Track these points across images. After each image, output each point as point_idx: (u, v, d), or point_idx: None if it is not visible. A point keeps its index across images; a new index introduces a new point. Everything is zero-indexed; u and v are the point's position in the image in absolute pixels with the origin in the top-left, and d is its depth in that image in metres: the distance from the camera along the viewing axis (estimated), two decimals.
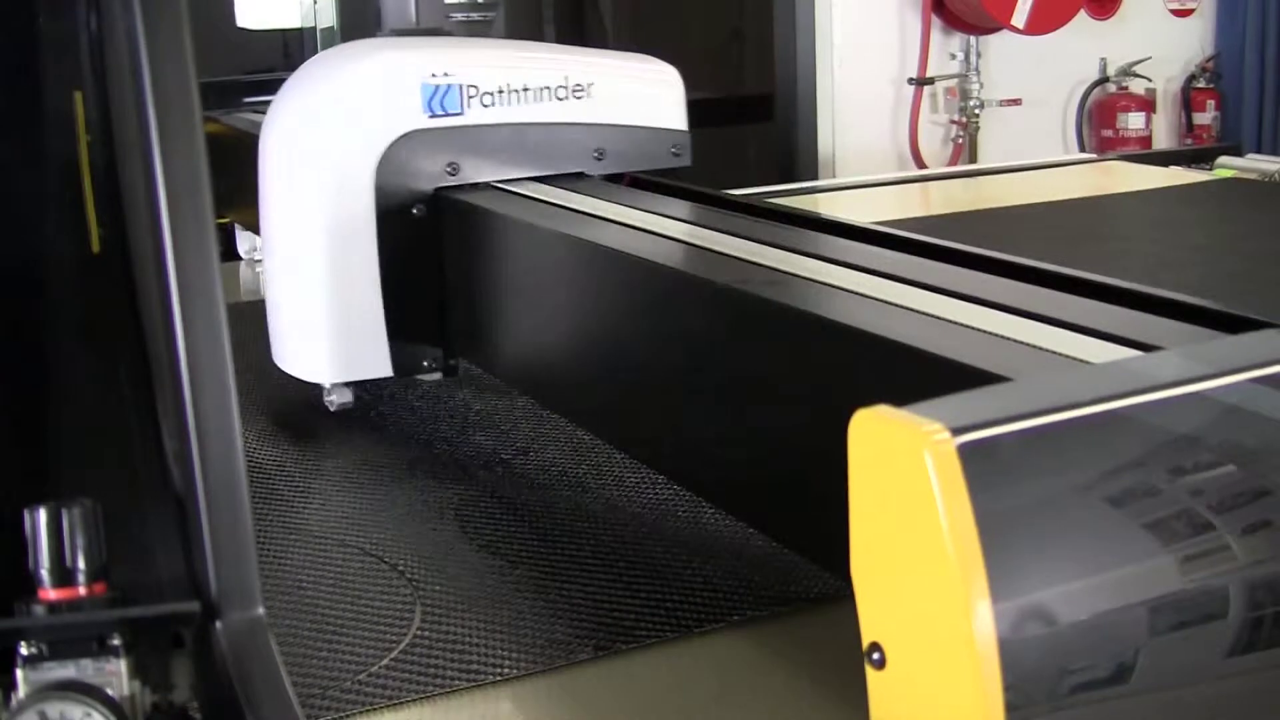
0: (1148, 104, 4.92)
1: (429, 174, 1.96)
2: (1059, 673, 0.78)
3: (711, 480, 1.50)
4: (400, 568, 1.61)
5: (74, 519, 0.90)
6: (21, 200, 1.18)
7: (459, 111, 1.98)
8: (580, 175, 2.08)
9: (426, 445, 2.03)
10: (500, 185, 2.01)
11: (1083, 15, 4.72)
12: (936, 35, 4.61)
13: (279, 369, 2.09)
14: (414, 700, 1.32)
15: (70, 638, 0.88)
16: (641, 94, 2.18)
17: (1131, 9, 4.93)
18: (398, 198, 1.94)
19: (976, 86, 4.63)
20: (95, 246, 1.19)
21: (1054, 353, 1.09)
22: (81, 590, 0.90)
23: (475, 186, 1.99)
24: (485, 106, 2.00)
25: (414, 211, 1.95)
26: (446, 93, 1.96)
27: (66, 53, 1.21)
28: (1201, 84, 5.05)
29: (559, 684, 1.36)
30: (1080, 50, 4.85)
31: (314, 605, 1.52)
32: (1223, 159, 3.46)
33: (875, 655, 0.84)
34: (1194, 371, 0.90)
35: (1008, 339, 1.14)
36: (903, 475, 0.77)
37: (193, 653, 0.95)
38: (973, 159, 4.67)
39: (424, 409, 2.20)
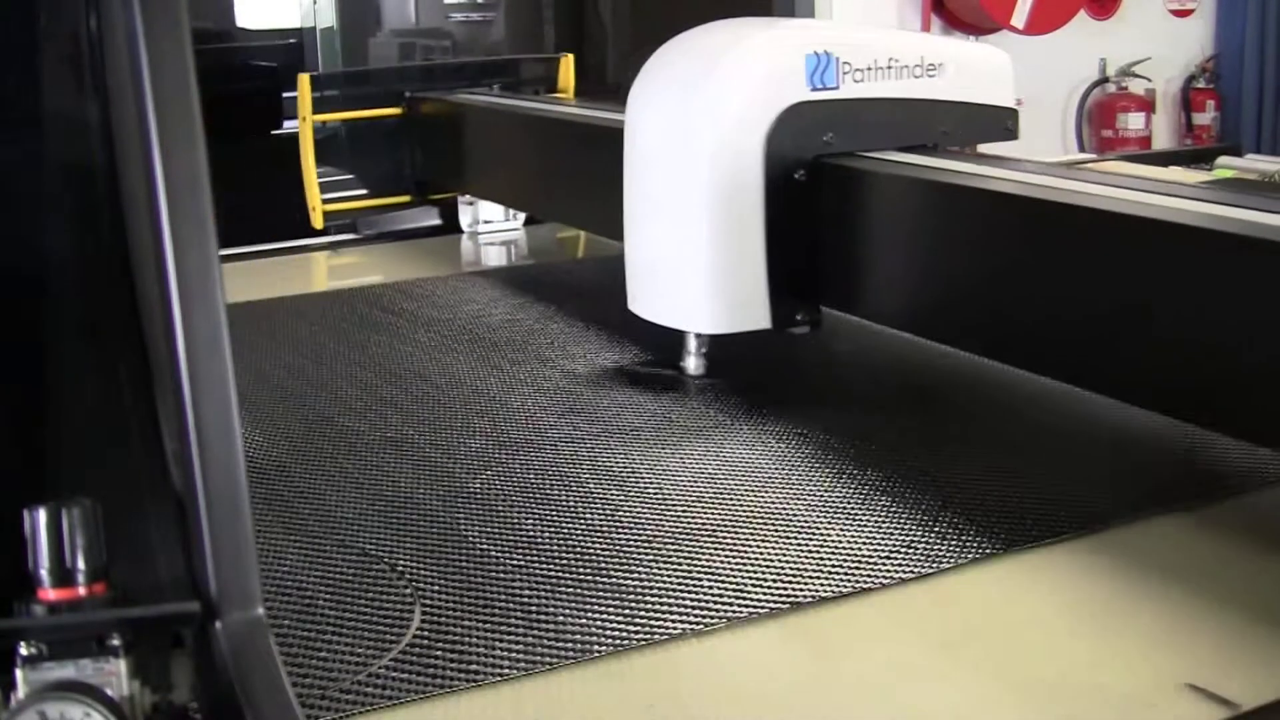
0: (1147, 104, 4.92)
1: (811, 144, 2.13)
2: None
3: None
4: (400, 568, 1.61)
5: (74, 519, 0.90)
6: (22, 200, 1.18)
7: (835, 86, 2.15)
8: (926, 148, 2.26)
9: (426, 446, 2.03)
10: (866, 155, 2.18)
11: (1082, 15, 4.72)
12: (936, 35, 4.61)
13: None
14: (413, 700, 1.32)
15: (70, 638, 0.88)
16: (983, 74, 2.34)
17: (1131, 9, 4.93)
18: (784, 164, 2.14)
19: None
20: (96, 247, 1.19)
21: None
22: (81, 590, 0.90)
23: (849, 155, 2.18)
24: (857, 82, 2.17)
25: (796, 177, 2.12)
26: (827, 66, 2.14)
27: (66, 52, 1.20)
28: (1201, 84, 5.05)
29: (558, 684, 1.36)
30: (1080, 50, 4.85)
31: (313, 605, 1.52)
32: (1222, 159, 3.45)
33: None
34: None
35: None
36: None
37: (192, 653, 0.95)
38: None
39: (423, 410, 2.20)
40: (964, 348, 2.10)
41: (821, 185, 2.13)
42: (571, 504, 1.78)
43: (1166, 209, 1.74)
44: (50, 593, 0.90)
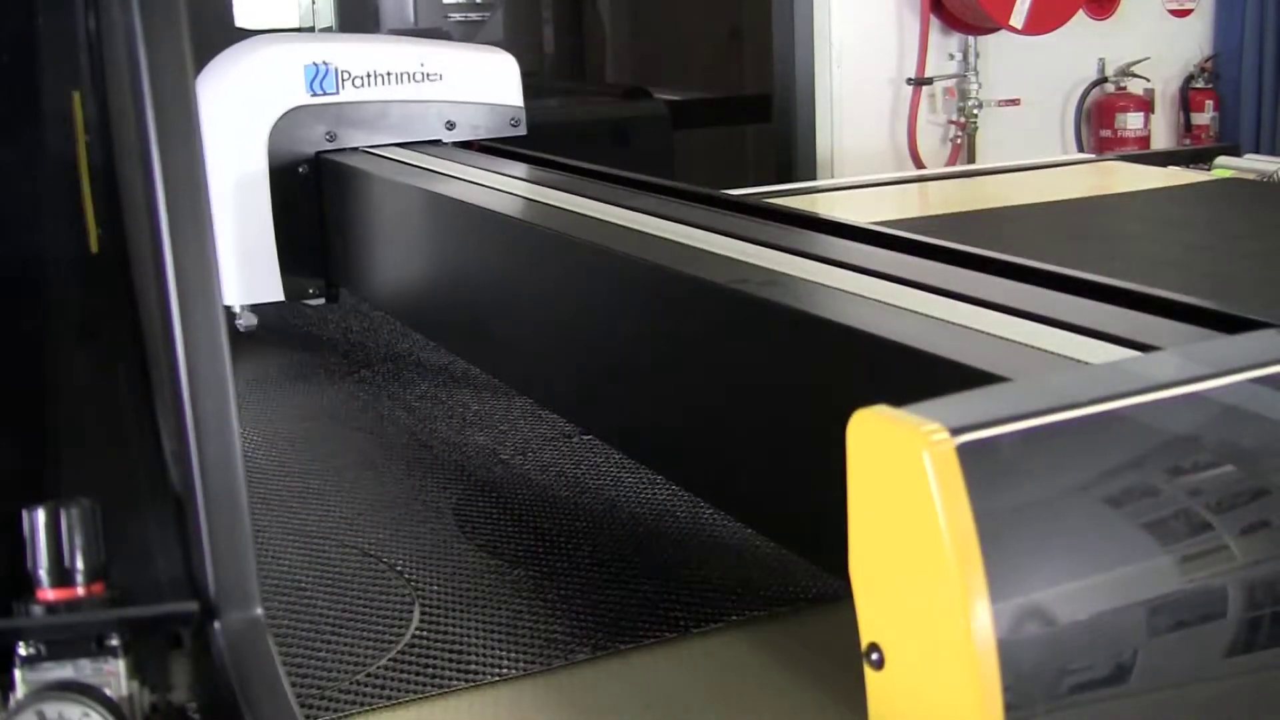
0: (1146, 104, 4.92)
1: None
2: (1058, 673, 0.77)
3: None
4: (398, 568, 1.61)
5: (72, 519, 0.90)
6: (21, 200, 1.18)
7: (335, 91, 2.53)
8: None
9: (425, 446, 2.03)
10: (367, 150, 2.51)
11: (1081, 15, 4.72)
12: (935, 35, 4.61)
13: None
14: (412, 700, 1.32)
15: (68, 638, 0.88)
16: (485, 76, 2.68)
17: (1130, 9, 4.93)
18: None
19: (975, 87, 4.63)
20: (95, 247, 1.18)
21: (1053, 353, 1.09)
22: (80, 590, 0.90)
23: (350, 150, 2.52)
24: (356, 88, 2.54)
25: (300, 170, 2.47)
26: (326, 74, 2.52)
27: (65, 53, 1.20)
28: (1200, 84, 5.06)
29: (556, 684, 1.36)
30: (1079, 50, 4.85)
31: (312, 605, 1.52)
32: (1221, 159, 3.45)
33: (874, 656, 0.83)
34: (1191, 372, 0.90)
35: (1007, 339, 1.14)
36: (901, 475, 0.77)
37: (191, 653, 0.95)
38: (971, 159, 4.67)
39: (422, 409, 2.20)
40: (430, 337, 2.37)
41: (321, 178, 2.48)
42: (571, 502, 1.78)
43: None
44: (49, 593, 0.90)
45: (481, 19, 6.37)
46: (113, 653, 0.88)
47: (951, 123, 4.71)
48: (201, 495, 0.93)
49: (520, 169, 2.37)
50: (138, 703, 0.89)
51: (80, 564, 0.90)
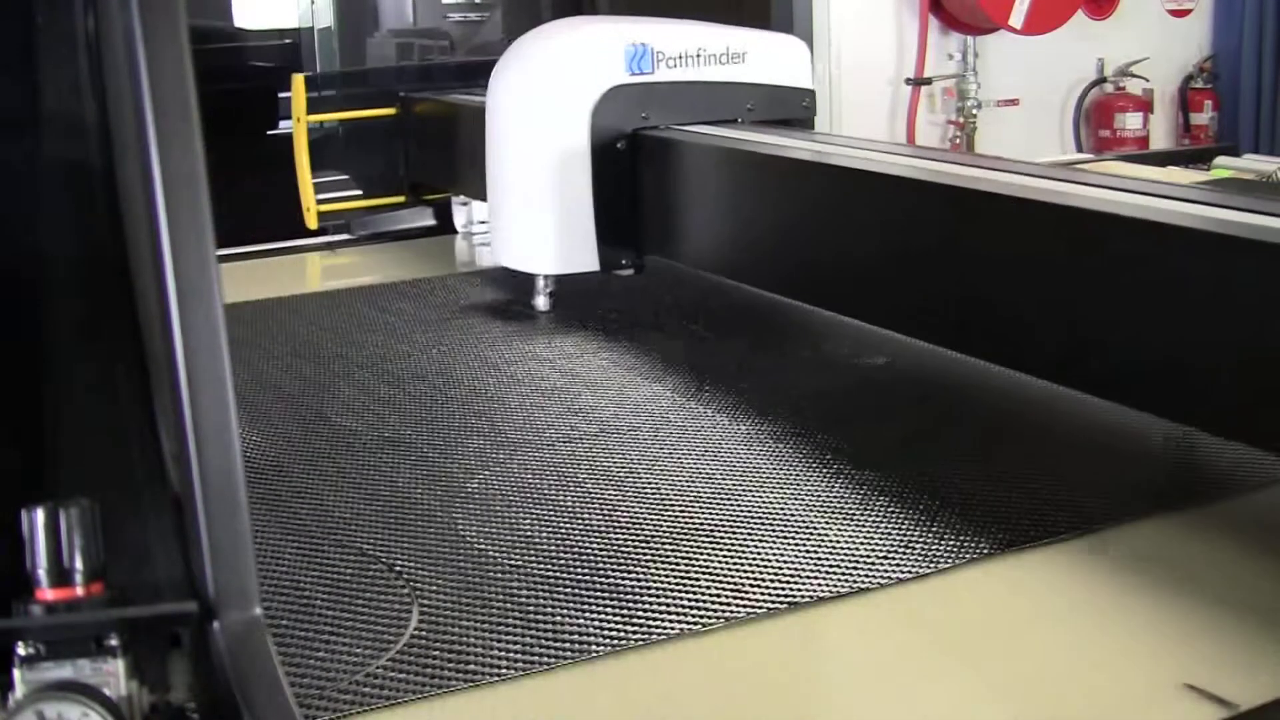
0: (1145, 104, 4.91)
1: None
2: None
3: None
4: (398, 568, 1.61)
5: (71, 519, 0.90)
6: (21, 200, 1.18)
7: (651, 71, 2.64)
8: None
9: (423, 446, 2.03)
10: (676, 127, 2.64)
11: (1080, 16, 4.71)
12: (934, 35, 4.60)
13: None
14: (411, 700, 1.32)
15: (68, 638, 0.88)
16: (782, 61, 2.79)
17: (1129, 9, 4.92)
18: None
19: (974, 87, 4.63)
20: (95, 247, 1.18)
21: None
22: (79, 590, 0.90)
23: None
24: (670, 68, 2.65)
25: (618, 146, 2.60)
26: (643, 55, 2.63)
27: (65, 53, 1.20)
28: (1199, 84, 5.05)
29: (556, 684, 1.36)
30: (1078, 51, 4.84)
31: (311, 605, 1.52)
32: (1220, 159, 3.45)
33: None
34: None
35: None
36: None
37: (190, 653, 0.95)
38: None
39: (420, 409, 2.20)
40: (759, 286, 2.50)
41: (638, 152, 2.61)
42: (569, 503, 1.78)
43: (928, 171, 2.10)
44: (48, 593, 0.90)
45: (481, 19, 6.37)
46: (112, 653, 0.88)
47: (951, 123, 4.71)
48: (200, 495, 0.93)
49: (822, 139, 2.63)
50: (137, 703, 0.89)
51: (79, 564, 0.90)
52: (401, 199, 3.67)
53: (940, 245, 1.96)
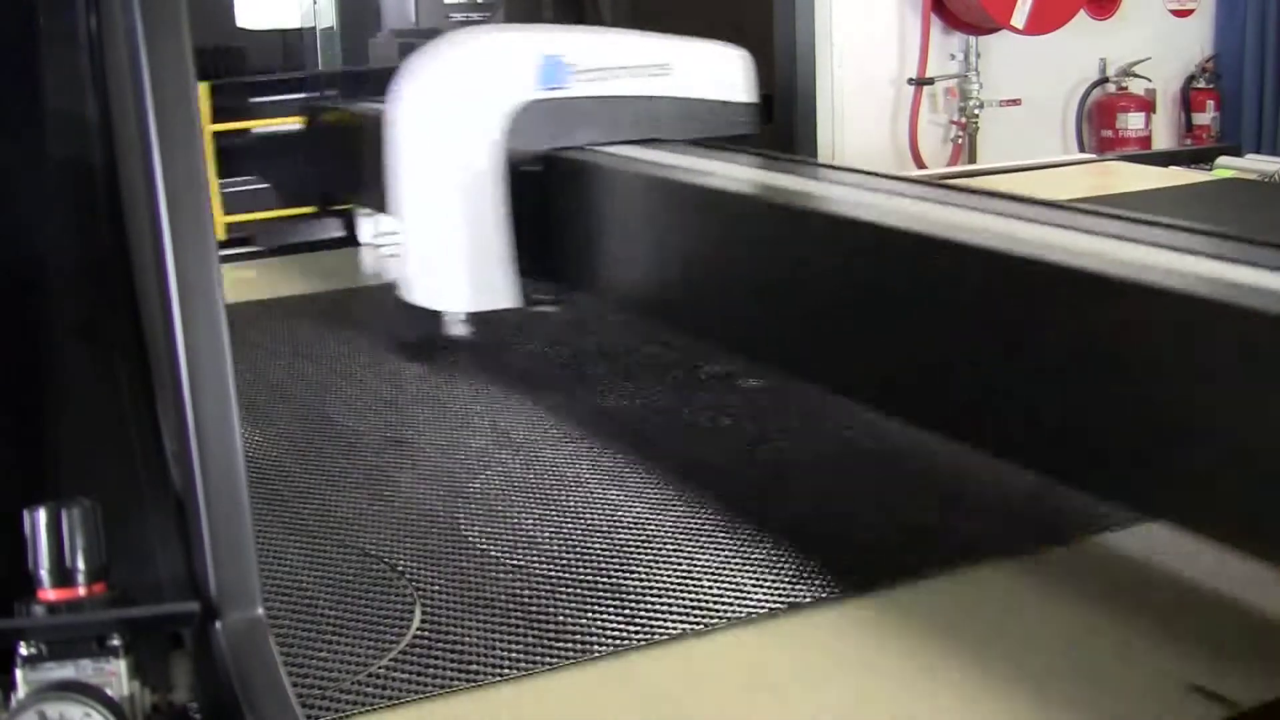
0: (1147, 104, 4.91)
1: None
2: None
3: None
4: (400, 568, 1.61)
5: (74, 520, 0.90)
6: (22, 201, 1.18)
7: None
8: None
9: (423, 446, 2.03)
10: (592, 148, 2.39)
11: (1082, 16, 4.71)
12: (936, 35, 4.60)
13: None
14: (413, 700, 1.32)
15: (70, 638, 0.88)
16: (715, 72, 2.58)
17: (1131, 9, 4.91)
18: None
19: (976, 87, 4.62)
20: (96, 247, 1.18)
21: None
22: (81, 591, 0.90)
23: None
24: (588, 81, 2.41)
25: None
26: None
27: (67, 53, 1.20)
28: (1201, 84, 5.04)
29: (557, 684, 1.36)
30: (1080, 51, 4.83)
31: (313, 605, 1.52)
32: (1222, 159, 3.45)
33: None
34: None
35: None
36: None
37: (192, 653, 0.95)
38: (972, 159, 4.66)
39: (418, 409, 2.20)
40: (680, 328, 2.31)
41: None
42: (571, 504, 1.78)
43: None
44: (50, 593, 0.90)
45: (483, 19, 6.37)
46: (114, 653, 0.88)
47: (953, 122, 4.71)
48: (202, 495, 0.93)
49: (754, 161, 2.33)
50: (139, 703, 0.89)
51: (81, 564, 0.90)
52: (312, 210, 3.58)
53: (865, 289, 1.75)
